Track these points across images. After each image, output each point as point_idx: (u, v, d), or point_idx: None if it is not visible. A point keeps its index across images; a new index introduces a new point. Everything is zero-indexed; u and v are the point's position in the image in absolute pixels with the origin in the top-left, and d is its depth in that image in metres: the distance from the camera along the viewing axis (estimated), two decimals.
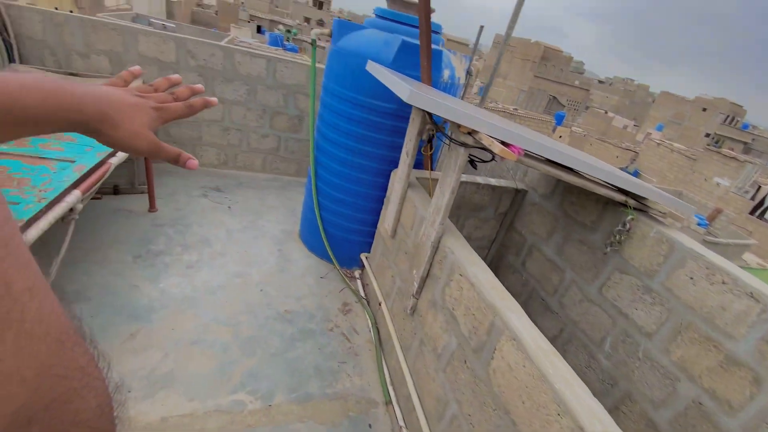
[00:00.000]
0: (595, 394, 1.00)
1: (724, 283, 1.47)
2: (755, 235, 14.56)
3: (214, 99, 0.58)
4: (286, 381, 1.88)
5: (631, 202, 1.74)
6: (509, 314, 1.19)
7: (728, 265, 1.50)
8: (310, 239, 2.89)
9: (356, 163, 2.44)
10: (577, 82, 43.30)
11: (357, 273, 2.74)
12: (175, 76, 0.58)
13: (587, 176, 1.72)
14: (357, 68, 2.17)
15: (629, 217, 1.74)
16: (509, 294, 1.29)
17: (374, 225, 2.59)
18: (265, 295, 2.37)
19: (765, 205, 16.62)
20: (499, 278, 1.42)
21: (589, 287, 1.99)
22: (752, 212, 16.67)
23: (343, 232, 2.69)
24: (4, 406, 0.14)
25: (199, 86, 0.58)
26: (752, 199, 17.21)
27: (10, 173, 1.77)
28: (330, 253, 2.72)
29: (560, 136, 25.04)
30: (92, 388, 0.19)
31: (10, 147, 1.97)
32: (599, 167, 1.60)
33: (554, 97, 39.22)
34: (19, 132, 0.39)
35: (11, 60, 2.98)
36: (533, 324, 1.17)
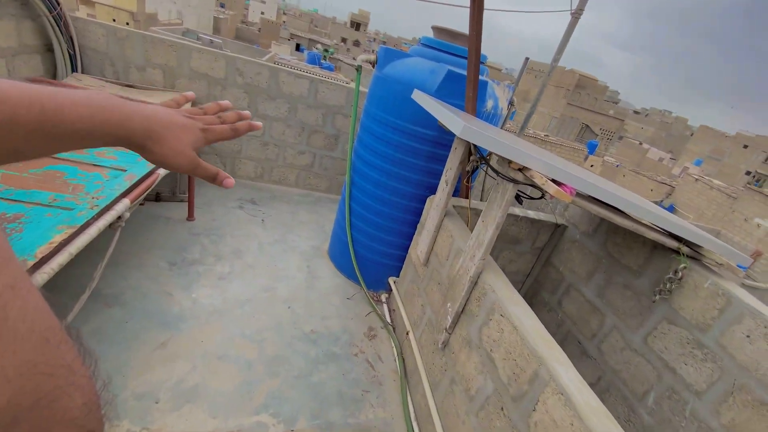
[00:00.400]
0: None
1: None
2: None
3: (259, 123, 0.60)
4: (309, 405, 1.84)
5: (685, 249, 1.65)
6: (556, 366, 1.13)
7: None
8: (339, 258, 2.89)
9: (391, 186, 2.44)
10: (611, 112, 42.45)
11: (384, 296, 2.70)
12: (225, 102, 0.60)
13: (638, 219, 1.64)
14: (400, 94, 2.19)
15: (682, 266, 1.64)
16: (556, 344, 1.22)
17: (405, 249, 2.56)
18: (291, 313, 2.36)
19: None
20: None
21: (632, 335, 1.87)
22: None
23: (372, 253, 2.67)
24: None
25: (247, 112, 0.60)
26: None
27: (66, 179, 1.86)
28: (358, 274, 2.71)
29: (591, 165, 24.45)
30: (79, 386, 0.19)
31: (68, 153, 2.08)
32: (652, 211, 1.53)
33: (587, 126, 38.54)
34: (66, 145, 0.41)
35: (74, 69, 3.19)
36: (583, 380, 1.10)
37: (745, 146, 33.60)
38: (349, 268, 2.76)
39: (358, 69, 2.41)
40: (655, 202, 18.01)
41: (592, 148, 25.61)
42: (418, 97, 1.82)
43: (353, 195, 2.63)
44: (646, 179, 22.67)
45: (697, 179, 21.41)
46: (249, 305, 2.32)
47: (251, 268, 2.62)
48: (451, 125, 1.34)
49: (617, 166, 24.44)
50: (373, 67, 2.41)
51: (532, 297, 2.57)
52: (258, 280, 2.53)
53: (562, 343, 2.25)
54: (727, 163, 33.86)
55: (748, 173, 32.57)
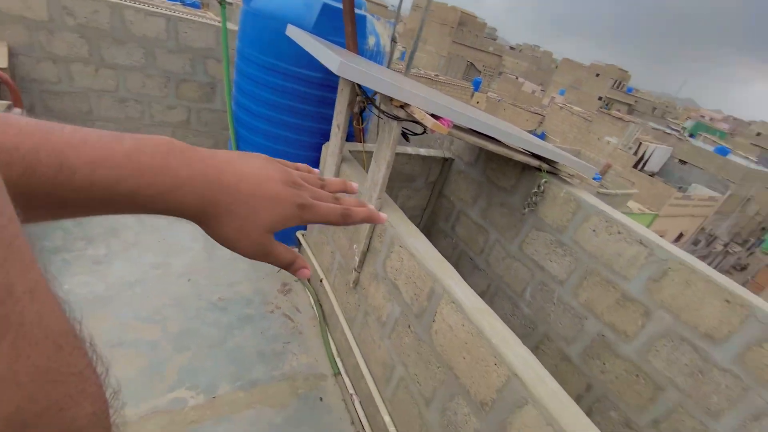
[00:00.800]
0: (518, 338, 1.13)
1: (619, 233, 1.71)
2: (637, 185, 17.17)
3: (384, 215, 0.47)
4: (229, 371, 1.81)
5: (545, 166, 1.92)
6: (448, 280, 1.27)
7: (623, 217, 1.75)
8: None
9: (282, 136, 2.31)
10: (491, 49, 45.25)
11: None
12: (354, 185, 0.48)
13: (507, 144, 1.84)
14: (275, 32, 1.99)
15: (543, 180, 1.92)
16: (447, 262, 1.36)
17: None
18: (193, 285, 2.20)
19: (644, 160, 19.58)
20: (431, 243, 1.49)
21: (510, 245, 2.19)
22: (635, 166, 19.54)
23: None
24: None
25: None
26: (635, 154, 20.10)
27: None
28: None
29: (477, 102, 26.28)
30: (89, 394, 0.19)
31: None
32: (517, 135, 1.72)
33: (471, 63, 40.67)
34: (72, 213, 0.30)
35: None
36: (470, 287, 1.26)
37: (597, 75, 39.34)
38: None
39: (222, 3, 2.11)
40: (530, 131, 20.42)
41: (476, 85, 27.35)
42: (294, 33, 1.68)
43: (242, 150, 2.43)
44: (522, 111, 25.36)
45: (561, 107, 24.69)
46: (139, 286, 2.09)
47: (134, 246, 2.32)
48: (327, 62, 1.28)
49: (499, 100, 26.71)
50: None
51: (430, 227, 2.79)
52: (145, 258, 2.27)
53: (457, 262, 2.54)
54: (584, 91, 39.44)
55: (600, 99, 38.52)
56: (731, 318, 1.42)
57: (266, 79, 2.14)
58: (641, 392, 1.64)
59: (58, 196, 0.28)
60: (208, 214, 0.35)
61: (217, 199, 0.35)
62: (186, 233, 2.56)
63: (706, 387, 1.49)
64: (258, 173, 0.38)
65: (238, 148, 2.43)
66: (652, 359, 1.62)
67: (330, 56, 1.26)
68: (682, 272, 1.52)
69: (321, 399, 1.83)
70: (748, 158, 24.48)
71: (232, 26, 2.87)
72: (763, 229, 25.93)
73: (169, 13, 2.94)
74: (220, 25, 2.91)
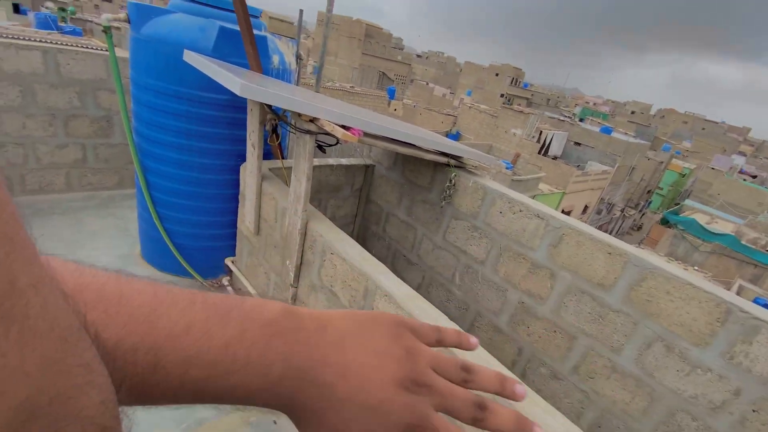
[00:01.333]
0: (455, 320, 1.25)
1: (521, 210, 1.96)
2: (544, 169, 19.13)
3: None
4: (170, 416, 1.70)
5: (452, 161, 2.12)
6: (379, 276, 1.35)
7: (521, 197, 2.00)
8: (159, 258, 2.56)
9: (196, 163, 2.23)
10: (399, 58, 47.38)
11: (225, 280, 2.57)
12: (518, 387, 0.34)
13: (416, 146, 2.00)
14: (172, 58, 1.94)
15: (453, 174, 2.11)
16: (376, 259, 1.45)
17: (234, 225, 2.46)
18: None
19: (546, 145, 21.88)
20: (366, 248, 1.57)
21: (435, 237, 2.36)
22: (539, 152, 21.74)
23: (197, 240, 2.46)
24: (7, 400, 0.14)
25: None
26: (538, 141, 22.38)
27: None
28: (188, 268, 2.47)
29: (395, 109, 27.28)
30: (96, 384, 0.19)
31: None
32: (423, 137, 1.89)
33: (383, 73, 42.14)
34: (165, 403, 0.28)
35: None
36: (399, 279, 1.36)
37: (497, 74, 43.18)
38: (175, 264, 2.49)
39: (107, 30, 2.00)
40: (446, 132, 21.73)
41: (391, 94, 28.41)
42: (191, 58, 1.67)
43: (152, 183, 2.30)
44: (437, 114, 26.91)
45: (470, 107, 26.67)
46: None
47: None
48: (229, 84, 1.30)
49: (414, 106, 28.02)
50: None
51: (364, 232, 2.88)
52: None
53: (393, 261, 2.66)
54: (487, 90, 42.99)
55: (502, 96, 42.26)
56: (614, 266, 1.71)
57: (170, 106, 2.07)
58: (560, 345, 1.88)
59: (148, 394, 0.26)
60: (296, 416, 0.30)
61: (305, 404, 0.29)
62: None
63: (606, 328, 1.76)
64: (367, 365, 0.30)
65: (146, 180, 2.29)
66: (563, 314, 1.86)
67: (231, 79, 1.29)
68: (572, 235, 1.79)
69: (275, 422, 1.80)
70: (627, 134, 28.65)
71: (123, 53, 2.71)
72: (649, 192, 30.52)
73: (46, 44, 2.68)
74: (108, 53, 2.73)
